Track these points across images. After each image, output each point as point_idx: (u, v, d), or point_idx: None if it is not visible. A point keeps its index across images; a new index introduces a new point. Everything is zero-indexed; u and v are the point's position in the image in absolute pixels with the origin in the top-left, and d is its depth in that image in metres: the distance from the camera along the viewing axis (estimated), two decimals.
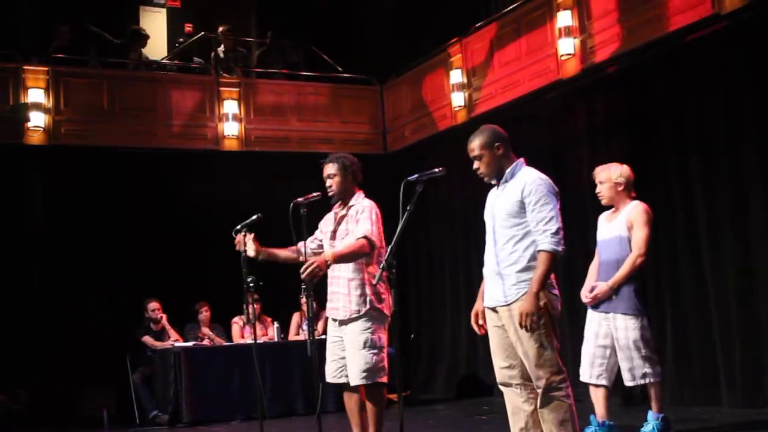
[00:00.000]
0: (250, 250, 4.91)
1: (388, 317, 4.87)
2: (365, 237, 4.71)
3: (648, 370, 5.13)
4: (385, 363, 4.81)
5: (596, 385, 5.26)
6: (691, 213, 7.17)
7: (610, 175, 5.33)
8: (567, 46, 7.91)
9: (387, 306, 4.85)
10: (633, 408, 7.12)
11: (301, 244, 4.92)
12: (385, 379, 4.79)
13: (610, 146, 8.04)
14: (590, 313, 5.34)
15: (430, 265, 10.56)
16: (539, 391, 3.88)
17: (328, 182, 4.93)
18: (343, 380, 4.91)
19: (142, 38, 10.53)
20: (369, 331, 4.76)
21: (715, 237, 6.94)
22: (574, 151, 8.46)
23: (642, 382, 5.17)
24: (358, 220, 4.80)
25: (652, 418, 5.25)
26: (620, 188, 5.32)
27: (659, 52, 7.37)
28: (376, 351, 4.75)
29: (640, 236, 5.18)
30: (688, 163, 7.22)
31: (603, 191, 5.37)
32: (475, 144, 4.04)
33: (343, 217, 4.93)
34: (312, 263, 4.50)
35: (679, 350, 7.22)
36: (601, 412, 5.26)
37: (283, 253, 5.01)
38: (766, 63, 6.61)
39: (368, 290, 4.76)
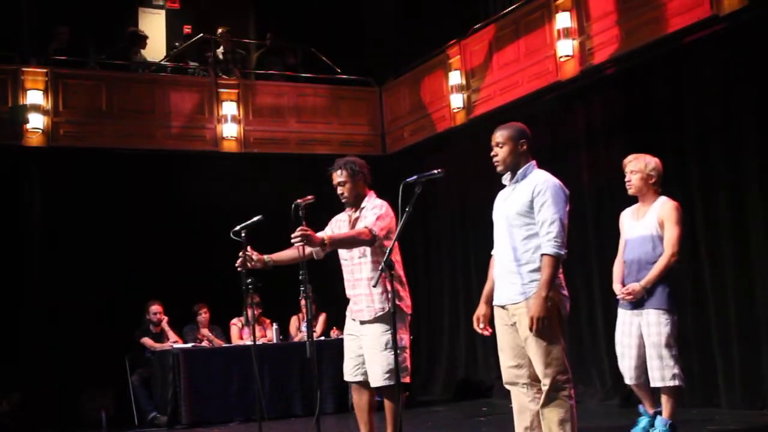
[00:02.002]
0: (257, 263, 4.87)
1: (408, 315, 4.87)
2: (366, 227, 4.71)
3: (677, 371, 4.98)
4: (408, 363, 4.78)
5: (637, 385, 5.20)
6: (689, 214, 7.15)
7: (643, 167, 5.20)
8: (566, 47, 7.92)
9: (406, 305, 4.85)
10: (632, 409, 7.12)
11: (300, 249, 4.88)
12: (408, 380, 4.76)
13: (609, 148, 8.05)
14: (621, 313, 5.23)
15: (429, 266, 10.57)
16: (544, 389, 3.89)
17: (340, 189, 4.90)
18: (359, 378, 4.86)
19: (141, 39, 10.54)
20: (390, 331, 4.73)
21: (713, 238, 6.95)
22: (573, 152, 8.47)
23: (672, 383, 4.99)
24: (367, 216, 4.81)
25: (661, 423, 5.10)
26: (651, 181, 5.19)
27: (658, 54, 7.37)
28: (398, 351, 4.73)
29: (672, 235, 5.05)
30: (687, 164, 7.23)
31: (634, 181, 5.22)
32: (501, 133, 4.08)
33: (357, 219, 4.91)
34: (306, 230, 4.46)
35: (678, 351, 7.21)
36: (650, 404, 5.21)
37: (287, 254, 4.94)
38: (765, 64, 6.62)
39: (388, 287, 4.75)
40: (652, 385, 5.11)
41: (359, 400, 4.93)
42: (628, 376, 5.20)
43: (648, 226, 5.16)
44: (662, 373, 4.99)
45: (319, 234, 4.67)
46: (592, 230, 8.06)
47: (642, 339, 5.09)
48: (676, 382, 4.99)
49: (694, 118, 7.22)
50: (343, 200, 4.93)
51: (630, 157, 5.32)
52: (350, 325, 4.96)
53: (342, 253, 4.96)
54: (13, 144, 8.97)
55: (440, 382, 10.10)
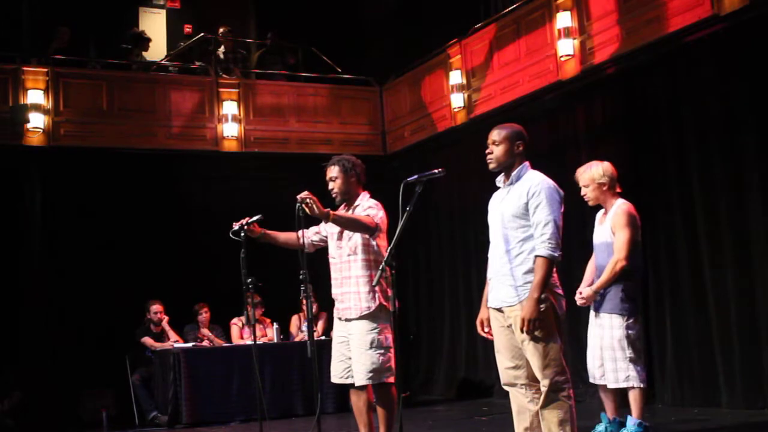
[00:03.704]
0: (250, 230, 4.96)
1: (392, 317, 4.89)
2: (369, 215, 4.78)
3: (632, 373, 5.03)
4: (392, 363, 4.79)
5: (601, 385, 5.23)
6: (690, 214, 7.17)
7: (593, 176, 5.26)
8: (566, 47, 7.92)
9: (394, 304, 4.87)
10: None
11: (301, 231, 4.92)
12: (392, 379, 4.78)
13: (609, 147, 8.04)
14: (591, 315, 5.32)
15: (429, 266, 10.57)
16: (543, 390, 3.88)
17: (331, 185, 4.95)
18: (349, 381, 4.90)
19: (144, 42, 10.54)
20: (375, 330, 4.76)
21: (714, 237, 6.94)
22: (573, 152, 8.46)
23: (624, 385, 5.07)
24: (368, 214, 4.83)
25: (631, 423, 5.14)
26: (605, 188, 5.25)
27: (658, 53, 7.37)
28: (382, 351, 4.75)
29: (620, 240, 5.11)
30: (687, 164, 7.23)
31: (588, 193, 5.31)
32: (498, 132, 4.07)
33: None
34: (314, 198, 4.55)
35: (679, 351, 7.22)
36: (610, 409, 5.24)
37: (283, 235, 5.06)
38: (765, 64, 6.61)
39: (376, 287, 4.76)
40: (608, 385, 5.17)
41: (357, 401, 4.95)
42: (591, 375, 5.27)
43: (605, 233, 5.26)
44: (616, 375, 5.08)
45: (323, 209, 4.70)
46: (591, 230, 8.03)
47: (602, 340, 5.18)
48: (630, 384, 5.06)
49: (694, 118, 7.21)
50: (333, 195, 4.96)
51: (580, 170, 5.37)
52: (338, 327, 4.98)
53: (331, 251, 4.99)
54: (13, 143, 8.97)
55: (441, 381, 10.10)
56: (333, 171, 4.93)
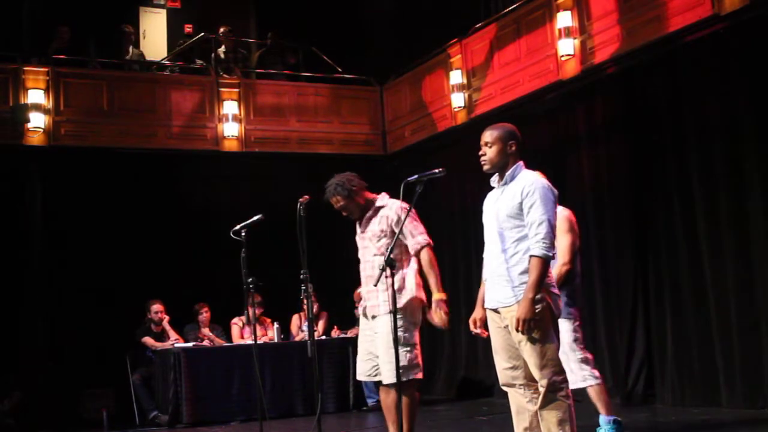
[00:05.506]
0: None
1: (421, 314, 4.93)
2: (425, 244, 4.85)
3: (585, 372, 5.10)
4: (419, 359, 4.82)
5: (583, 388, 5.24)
6: (690, 213, 7.17)
7: None
8: (567, 46, 7.92)
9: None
10: (633, 408, 7.13)
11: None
12: (419, 376, 4.79)
13: (609, 147, 8.06)
14: None
15: None
16: (542, 390, 3.88)
17: (344, 213, 4.97)
18: (377, 378, 4.91)
19: (125, 35, 10.50)
20: (401, 328, 4.75)
21: (714, 237, 6.95)
22: (574, 151, 8.47)
23: (582, 385, 5.11)
24: (405, 226, 4.78)
25: (604, 422, 5.18)
26: None
27: (659, 53, 7.37)
28: (408, 348, 4.75)
29: (562, 245, 5.14)
30: (687, 163, 7.23)
31: None
32: (491, 133, 4.05)
33: (370, 218, 4.95)
34: (440, 311, 4.72)
35: (679, 350, 7.23)
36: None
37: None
38: (765, 64, 6.61)
39: (405, 282, 4.78)
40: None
41: (386, 399, 4.94)
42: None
43: None
44: (572, 377, 5.05)
45: (441, 303, 4.85)
46: (592, 229, 8.06)
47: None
48: (587, 383, 5.12)
49: (694, 117, 7.21)
50: (353, 218, 4.99)
51: None
52: (364, 325, 5.00)
53: (359, 251, 5.02)
54: (14, 143, 8.97)
55: (441, 381, 10.11)
56: (340, 201, 4.92)
